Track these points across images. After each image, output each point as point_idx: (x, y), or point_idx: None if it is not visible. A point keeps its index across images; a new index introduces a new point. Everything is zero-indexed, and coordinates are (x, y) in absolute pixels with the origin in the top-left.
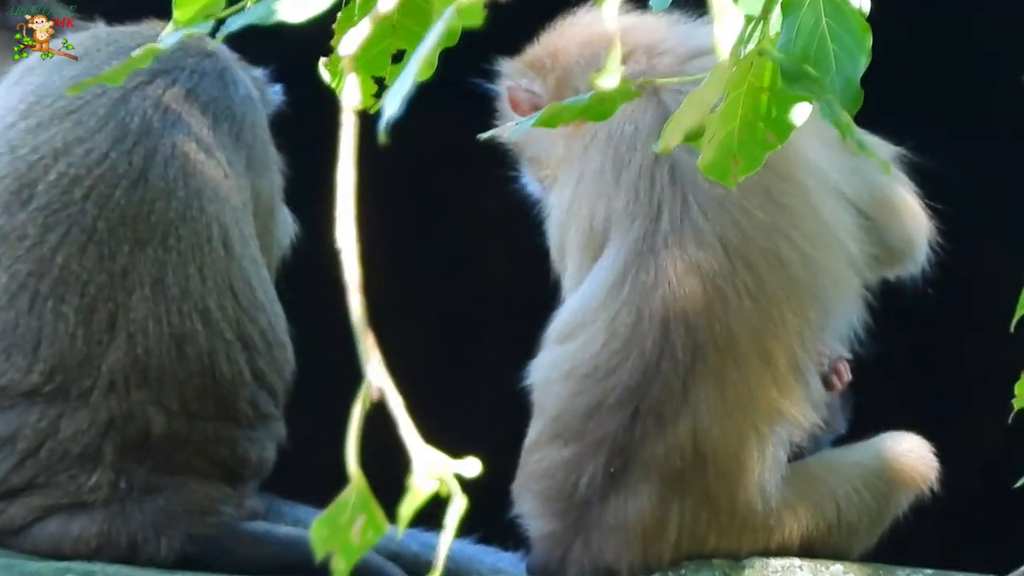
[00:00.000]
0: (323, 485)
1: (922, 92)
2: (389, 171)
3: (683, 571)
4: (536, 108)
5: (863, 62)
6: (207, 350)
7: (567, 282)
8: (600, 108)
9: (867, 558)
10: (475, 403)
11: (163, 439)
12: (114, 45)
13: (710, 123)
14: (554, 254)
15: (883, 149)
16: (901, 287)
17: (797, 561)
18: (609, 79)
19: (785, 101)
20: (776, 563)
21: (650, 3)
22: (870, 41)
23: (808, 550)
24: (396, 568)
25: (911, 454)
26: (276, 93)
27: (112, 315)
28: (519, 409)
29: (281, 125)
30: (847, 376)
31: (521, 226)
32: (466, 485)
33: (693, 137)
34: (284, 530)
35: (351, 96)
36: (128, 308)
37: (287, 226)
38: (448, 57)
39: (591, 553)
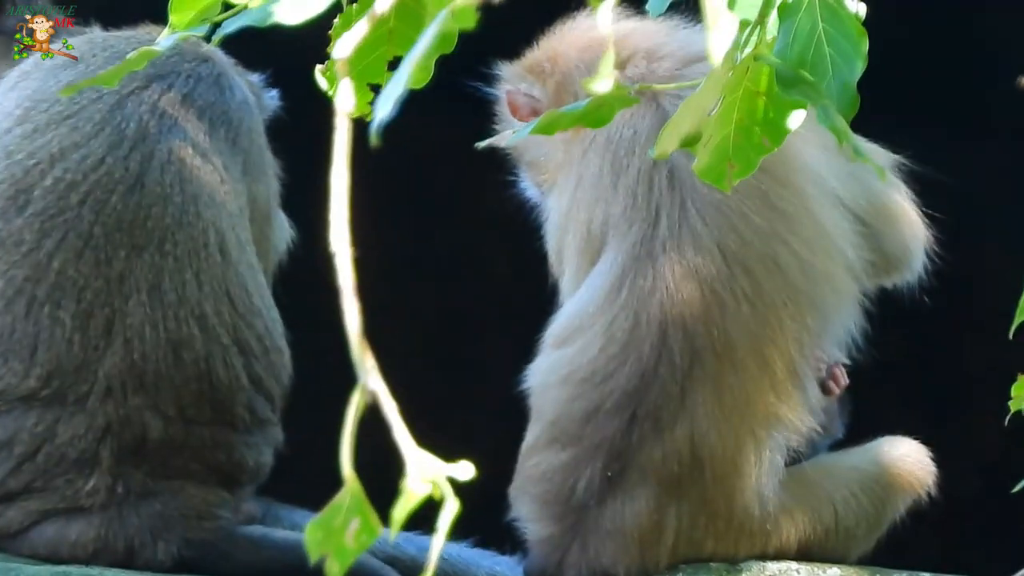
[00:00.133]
0: (320, 489)
1: (922, 92)
2: (388, 173)
3: (680, 575)
4: (535, 112)
5: (859, 67)
6: (204, 355)
7: (565, 286)
8: (598, 114)
9: (866, 561)
10: (474, 405)
11: (160, 444)
12: (110, 50)
13: (706, 127)
14: (552, 258)
15: (880, 156)
16: (899, 294)
17: (794, 565)
18: (602, 83)
19: (781, 106)
20: (773, 567)
21: (647, 7)
22: (866, 46)
23: (805, 555)
24: (393, 572)
25: (908, 459)
26: (272, 98)
27: (109, 320)
28: (518, 411)
29: (277, 130)
30: (844, 381)
31: (521, 228)
32: (463, 488)
33: (690, 143)
34: (281, 534)
35: (345, 100)
36: (125, 313)
37: (283, 231)
38: (448, 61)
39: (588, 557)
